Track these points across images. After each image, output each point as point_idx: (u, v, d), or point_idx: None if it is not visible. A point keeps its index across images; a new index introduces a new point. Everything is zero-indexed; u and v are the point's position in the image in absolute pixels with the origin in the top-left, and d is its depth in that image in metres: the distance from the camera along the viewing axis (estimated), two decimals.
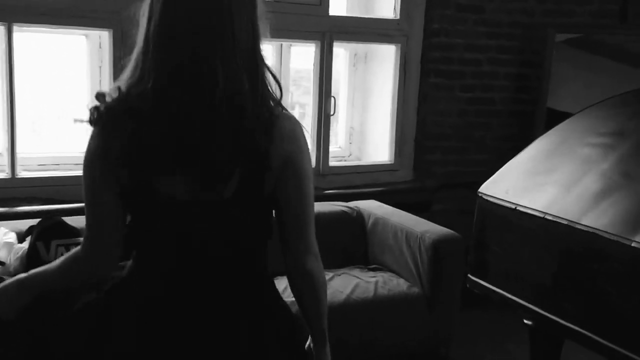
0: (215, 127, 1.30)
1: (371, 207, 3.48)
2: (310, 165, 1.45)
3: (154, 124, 1.31)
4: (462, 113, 4.13)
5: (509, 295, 2.42)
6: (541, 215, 2.30)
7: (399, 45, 3.96)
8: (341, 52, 4.07)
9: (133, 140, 1.31)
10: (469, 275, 2.60)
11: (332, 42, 3.78)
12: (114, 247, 1.44)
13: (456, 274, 3.07)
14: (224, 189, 1.34)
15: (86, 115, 1.37)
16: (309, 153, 1.44)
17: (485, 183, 2.60)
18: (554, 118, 4.01)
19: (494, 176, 2.63)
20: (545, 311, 2.27)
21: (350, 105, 4.12)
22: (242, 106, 1.31)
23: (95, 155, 1.36)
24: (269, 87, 1.38)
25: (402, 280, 3.08)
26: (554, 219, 2.25)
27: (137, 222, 1.43)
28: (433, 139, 4.06)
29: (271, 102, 1.38)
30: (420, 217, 3.41)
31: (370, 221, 3.36)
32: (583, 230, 2.14)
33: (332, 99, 3.80)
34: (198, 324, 1.40)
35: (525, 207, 2.37)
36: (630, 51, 4.16)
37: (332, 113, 3.81)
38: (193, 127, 1.30)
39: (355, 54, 4.12)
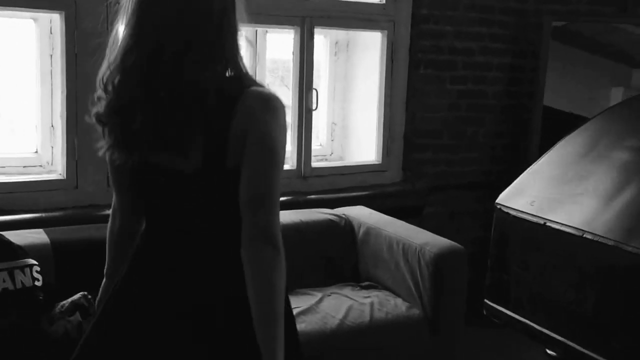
0: (179, 109, 1.40)
1: (361, 214, 3.11)
2: (280, 138, 1.42)
3: (134, 116, 1.42)
4: (453, 107, 3.82)
5: (537, 327, 2.09)
6: (578, 233, 1.96)
7: (385, 32, 3.61)
8: (321, 39, 3.69)
9: (118, 133, 1.46)
10: (486, 301, 2.26)
11: (313, 28, 3.40)
12: (133, 207, 1.63)
13: (459, 291, 2.72)
14: (190, 161, 1.42)
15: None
16: (279, 127, 1.42)
17: (504, 192, 2.26)
18: (547, 114, 3.73)
19: (513, 184, 2.29)
20: (584, 348, 1.93)
21: (331, 99, 3.75)
22: (206, 89, 1.39)
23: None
24: (243, 68, 1.47)
25: (399, 300, 2.72)
26: (596, 239, 1.91)
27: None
28: (423, 136, 3.74)
29: (243, 81, 1.45)
30: (411, 222, 3.07)
31: (361, 231, 3.00)
32: (634, 253, 1.81)
33: (314, 91, 3.41)
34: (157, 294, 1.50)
35: (558, 222, 2.03)
36: (623, 44, 3.90)
37: (314, 108, 3.42)
38: (162, 112, 1.41)
39: (337, 42, 3.75)
